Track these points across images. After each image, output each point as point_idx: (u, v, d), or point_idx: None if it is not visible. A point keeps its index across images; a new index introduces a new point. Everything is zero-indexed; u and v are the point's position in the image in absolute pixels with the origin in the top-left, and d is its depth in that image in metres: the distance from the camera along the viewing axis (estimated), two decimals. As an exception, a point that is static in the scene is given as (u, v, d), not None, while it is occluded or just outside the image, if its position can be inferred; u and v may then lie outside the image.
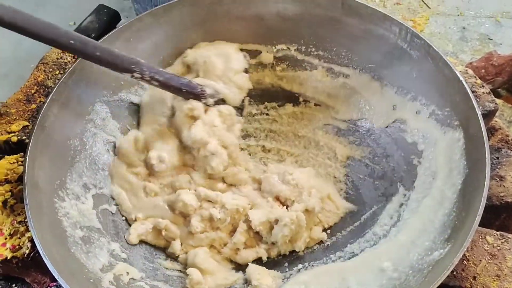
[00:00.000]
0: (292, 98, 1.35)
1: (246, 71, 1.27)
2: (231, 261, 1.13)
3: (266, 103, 1.36)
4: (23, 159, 1.07)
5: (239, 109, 1.24)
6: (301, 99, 1.33)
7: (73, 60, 1.39)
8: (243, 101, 1.26)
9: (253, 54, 1.31)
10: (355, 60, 1.24)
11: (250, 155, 1.33)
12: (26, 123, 1.26)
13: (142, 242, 1.14)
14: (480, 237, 1.06)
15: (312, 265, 1.10)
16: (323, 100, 1.32)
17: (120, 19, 1.78)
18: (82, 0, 2.49)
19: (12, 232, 1.06)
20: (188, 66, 1.24)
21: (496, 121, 1.26)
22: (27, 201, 0.94)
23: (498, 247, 1.04)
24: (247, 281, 1.06)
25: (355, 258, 1.06)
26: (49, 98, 1.06)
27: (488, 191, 0.88)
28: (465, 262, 1.02)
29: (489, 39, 2.20)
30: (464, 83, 1.00)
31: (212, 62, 1.21)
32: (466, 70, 1.31)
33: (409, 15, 2.33)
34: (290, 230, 1.08)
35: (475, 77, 1.28)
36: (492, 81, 1.65)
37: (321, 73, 1.29)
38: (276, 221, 1.09)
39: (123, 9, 2.39)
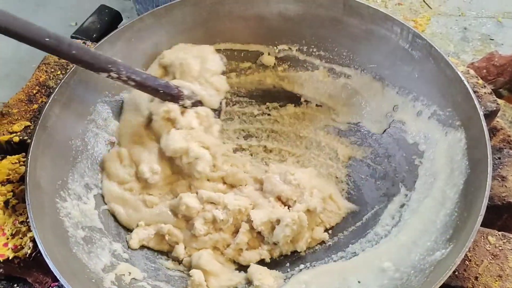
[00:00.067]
0: (294, 98, 1.35)
1: (223, 73, 1.26)
2: (234, 261, 1.13)
3: (267, 103, 1.36)
4: (25, 159, 1.07)
5: (217, 111, 1.23)
6: (302, 100, 1.33)
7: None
8: (220, 103, 1.24)
9: (255, 54, 1.32)
10: (357, 60, 1.24)
11: (251, 155, 1.33)
12: (28, 123, 1.26)
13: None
14: (482, 237, 1.05)
15: (314, 266, 1.10)
16: (324, 101, 1.32)
17: (122, 19, 1.79)
18: (84, 1, 2.50)
19: (14, 232, 1.06)
20: (165, 68, 1.23)
21: (497, 121, 1.26)
22: (29, 201, 0.94)
23: (500, 247, 1.04)
24: (249, 281, 1.06)
25: (355, 257, 1.06)
26: (50, 98, 1.06)
27: (490, 191, 0.88)
28: (467, 262, 1.02)
29: (491, 39, 2.20)
30: (466, 83, 1.00)
31: (188, 64, 1.19)
32: (468, 71, 1.31)
33: (411, 15, 2.33)
34: (291, 231, 1.08)
35: (476, 77, 1.28)
36: (494, 81, 1.65)
37: (322, 73, 1.29)
38: (278, 221, 1.09)
39: (124, 10, 2.39)
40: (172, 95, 1.12)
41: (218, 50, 1.30)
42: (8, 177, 1.15)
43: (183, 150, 1.11)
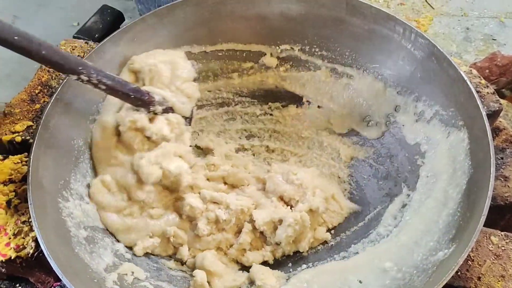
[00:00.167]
0: (296, 98, 1.34)
1: (194, 80, 1.23)
2: (237, 262, 1.13)
3: (270, 103, 1.36)
4: (27, 159, 1.07)
5: (188, 118, 1.19)
6: (304, 100, 1.33)
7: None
8: (192, 110, 1.21)
9: (257, 54, 1.32)
10: (359, 60, 1.24)
11: (254, 155, 1.33)
12: (30, 123, 1.26)
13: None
14: (485, 238, 1.05)
15: (316, 266, 1.10)
16: (326, 102, 1.31)
17: (124, 20, 1.79)
18: (85, 1, 2.50)
19: (16, 232, 1.06)
20: (135, 74, 1.18)
21: (500, 121, 1.26)
22: (31, 201, 0.94)
23: (503, 247, 1.03)
24: (251, 281, 1.06)
25: (355, 256, 1.06)
26: (53, 98, 1.06)
27: (493, 191, 0.88)
28: (470, 263, 1.02)
29: (493, 39, 2.20)
30: (468, 83, 1.00)
31: (158, 70, 1.15)
32: (471, 71, 1.30)
33: (413, 15, 2.33)
34: (294, 231, 1.08)
35: (479, 77, 1.28)
36: (496, 81, 1.64)
37: (324, 73, 1.29)
38: (280, 221, 1.09)
39: (126, 10, 2.39)
40: (143, 101, 1.08)
41: (220, 50, 1.30)
42: (10, 176, 1.15)
43: (161, 176, 1.08)
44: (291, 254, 1.13)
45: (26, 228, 1.06)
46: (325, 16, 1.21)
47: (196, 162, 1.25)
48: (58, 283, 1.12)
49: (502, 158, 1.18)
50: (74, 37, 1.67)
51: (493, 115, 1.21)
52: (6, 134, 1.23)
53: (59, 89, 1.07)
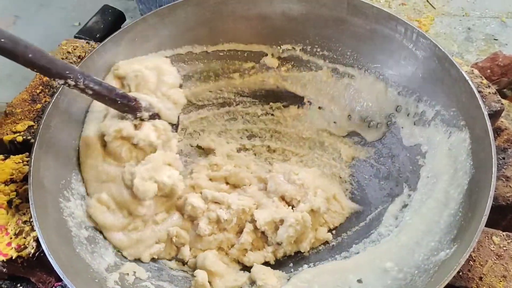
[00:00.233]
0: (297, 99, 1.34)
1: (180, 86, 1.22)
2: (238, 262, 1.13)
3: (271, 103, 1.36)
4: (29, 158, 1.07)
5: (174, 125, 1.17)
6: (305, 100, 1.33)
7: (78, 60, 1.39)
8: (178, 117, 1.19)
9: (258, 54, 1.32)
10: (360, 60, 1.24)
11: (255, 155, 1.33)
12: (31, 123, 1.26)
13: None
14: (486, 238, 1.05)
15: (317, 266, 1.10)
16: (327, 103, 1.31)
17: (125, 19, 1.79)
18: (87, 1, 2.50)
19: (17, 231, 1.06)
20: (120, 80, 1.16)
21: (502, 121, 1.26)
22: (32, 200, 0.94)
23: (505, 248, 1.03)
24: (252, 281, 1.06)
25: (356, 256, 1.06)
26: (54, 98, 1.06)
27: (494, 191, 0.88)
28: (471, 263, 1.02)
29: (495, 39, 2.20)
30: (470, 83, 1.00)
31: (144, 76, 1.14)
32: (472, 71, 1.30)
33: (414, 15, 2.33)
34: (295, 231, 1.07)
35: (481, 77, 1.28)
36: (498, 81, 1.64)
37: (326, 73, 1.29)
38: (282, 221, 1.09)
39: (127, 10, 2.39)
40: (130, 107, 1.06)
41: (221, 50, 1.30)
42: (11, 176, 1.15)
43: (157, 190, 1.06)
44: (292, 254, 1.13)
45: (27, 228, 1.06)
46: (327, 16, 1.21)
47: (199, 161, 1.25)
48: (59, 283, 1.12)
49: (503, 158, 1.18)
50: (75, 37, 1.67)
51: (494, 115, 1.21)
52: (7, 134, 1.23)
53: (60, 89, 1.07)
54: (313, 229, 1.13)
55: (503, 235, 1.06)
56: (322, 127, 1.31)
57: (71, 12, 2.62)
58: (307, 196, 1.13)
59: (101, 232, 1.06)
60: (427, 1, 2.38)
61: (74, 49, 1.44)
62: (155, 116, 1.12)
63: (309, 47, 1.28)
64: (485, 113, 0.96)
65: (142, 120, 1.09)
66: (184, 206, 1.12)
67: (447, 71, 1.05)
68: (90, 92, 0.99)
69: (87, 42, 1.49)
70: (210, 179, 1.23)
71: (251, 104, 1.37)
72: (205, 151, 1.33)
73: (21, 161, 1.18)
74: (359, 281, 0.98)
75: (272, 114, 1.36)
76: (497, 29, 2.24)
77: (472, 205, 0.92)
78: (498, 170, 1.13)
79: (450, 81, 1.05)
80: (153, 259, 1.10)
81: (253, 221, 1.11)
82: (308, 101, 1.33)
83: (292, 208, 1.14)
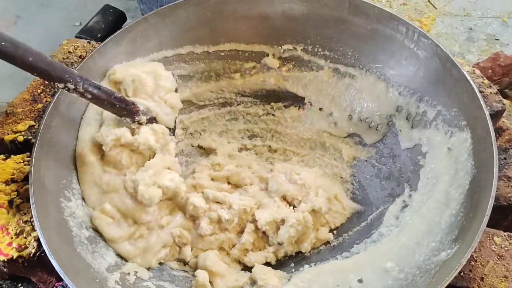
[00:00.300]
0: (298, 99, 1.35)
1: (176, 90, 1.21)
2: (239, 262, 1.13)
3: (272, 103, 1.36)
4: (29, 158, 1.07)
5: (171, 129, 1.17)
6: (306, 101, 1.33)
7: (79, 60, 1.39)
8: (174, 121, 1.19)
9: (259, 54, 1.32)
10: (362, 60, 1.23)
11: (256, 154, 1.33)
12: (32, 122, 1.26)
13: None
14: (488, 238, 1.05)
15: (318, 265, 1.10)
16: (327, 104, 1.31)
17: (126, 19, 1.79)
18: (88, 0, 2.50)
19: (18, 231, 1.06)
20: (116, 84, 1.15)
21: (503, 121, 1.26)
22: (33, 200, 0.94)
23: (506, 248, 1.03)
24: (253, 281, 1.06)
25: (357, 256, 1.06)
26: (55, 98, 1.06)
27: (496, 191, 0.88)
28: (473, 263, 1.01)
29: (496, 39, 2.19)
30: (471, 83, 1.00)
31: (141, 80, 1.13)
32: (473, 71, 1.30)
33: (416, 15, 2.32)
34: (296, 231, 1.07)
35: (482, 77, 1.28)
36: (499, 81, 1.64)
37: (327, 73, 1.29)
38: (283, 221, 1.09)
39: (128, 9, 2.39)
40: (127, 110, 1.06)
41: (222, 50, 1.30)
42: (12, 176, 1.15)
43: (161, 195, 1.06)
44: (294, 254, 1.13)
45: (28, 228, 1.06)
46: (328, 15, 1.21)
47: (200, 161, 1.26)
48: (60, 283, 1.12)
49: (505, 158, 1.18)
50: (76, 36, 1.67)
51: (496, 115, 1.21)
52: (8, 134, 1.23)
53: (61, 89, 1.07)
54: (314, 229, 1.13)
55: (505, 236, 1.05)
56: (322, 128, 1.31)
57: (72, 12, 2.62)
58: (308, 196, 1.13)
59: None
60: (429, 1, 2.38)
61: (75, 49, 1.44)
62: (152, 120, 1.12)
63: (310, 47, 1.28)
64: (487, 113, 0.96)
65: (140, 124, 1.09)
66: (186, 206, 1.12)
67: (449, 71, 1.05)
68: (89, 96, 0.99)
69: (88, 42, 1.49)
70: (212, 179, 1.23)
71: (252, 104, 1.37)
72: (206, 151, 1.33)
73: (22, 161, 1.18)
74: (360, 281, 0.98)
75: (273, 114, 1.36)
76: (499, 29, 2.24)
77: (473, 205, 0.92)
78: (499, 170, 1.14)
79: (451, 81, 1.05)
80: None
81: (254, 221, 1.11)
82: (309, 102, 1.33)
83: (293, 208, 1.14)
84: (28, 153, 1.20)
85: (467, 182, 0.96)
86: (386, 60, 1.19)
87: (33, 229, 1.06)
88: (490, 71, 1.65)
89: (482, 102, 0.97)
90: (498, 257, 1.02)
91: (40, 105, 1.30)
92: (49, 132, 1.03)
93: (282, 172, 1.19)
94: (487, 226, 0.87)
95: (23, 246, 1.04)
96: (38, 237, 0.91)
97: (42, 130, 1.02)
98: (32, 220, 1.05)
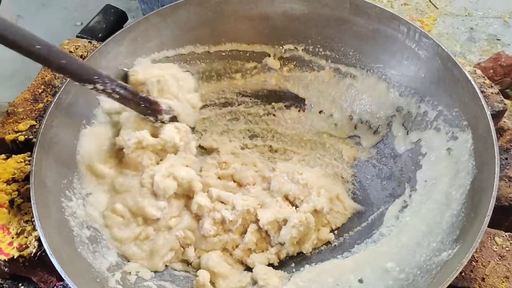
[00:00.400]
0: (299, 99, 1.35)
1: (196, 90, 1.25)
2: (242, 263, 1.12)
3: (273, 103, 1.36)
4: (30, 158, 1.07)
5: (192, 128, 1.21)
6: (306, 102, 1.33)
7: (80, 60, 1.39)
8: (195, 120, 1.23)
9: (260, 54, 1.32)
10: (363, 60, 1.23)
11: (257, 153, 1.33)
12: (33, 122, 1.26)
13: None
14: (489, 238, 1.05)
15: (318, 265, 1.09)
16: (328, 107, 1.31)
17: (127, 19, 1.79)
18: (89, 0, 2.50)
19: (19, 231, 1.06)
20: (136, 85, 1.17)
21: (504, 121, 1.25)
22: (34, 200, 0.94)
23: (507, 248, 1.03)
24: (254, 281, 1.06)
25: (357, 256, 1.06)
26: (56, 98, 1.06)
27: (497, 192, 0.88)
28: (474, 263, 1.01)
29: (497, 39, 2.19)
30: (473, 83, 1.00)
31: (166, 81, 1.17)
32: (475, 71, 1.30)
33: (417, 15, 2.32)
34: (298, 232, 1.07)
35: (483, 77, 1.28)
36: (501, 81, 1.64)
37: (328, 74, 1.29)
38: (285, 221, 1.09)
39: (129, 9, 2.39)
40: (151, 109, 1.10)
41: (223, 50, 1.30)
42: (13, 176, 1.15)
43: (176, 186, 1.08)
44: (295, 255, 1.13)
45: (29, 228, 1.07)
46: (328, 15, 1.21)
47: (207, 160, 1.27)
48: (61, 283, 1.12)
49: (506, 159, 1.18)
50: (77, 36, 1.67)
51: (497, 115, 1.21)
52: (9, 134, 1.23)
53: (62, 88, 1.07)
54: (316, 230, 1.13)
55: (506, 236, 1.05)
56: (323, 130, 1.31)
57: (73, 12, 2.62)
58: (310, 196, 1.13)
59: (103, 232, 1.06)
60: (430, 1, 2.38)
61: (76, 49, 1.44)
62: (174, 118, 1.15)
63: (311, 47, 1.28)
64: (488, 113, 0.96)
65: (162, 122, 1.12)
66: (191, 205, 1.12)
67: (450, 71, 1.05)
68: (117, 96, 1.03)
69: (89, 42, 1.49)
70: (219, 177, 1.23)
71: (253, 104, 1.37)
72: (207, 151, 1.33)
73: (23, 160, 1.18)
74: (360, 281, 0.98)
75: (274, 115, 1.36)
76: (500, 29, 2.24)
77: (474, 205, 0.92)
78: (500, 171, 1.13)
79: (452, 81, 1.05)
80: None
81: (257, 221, 1.11)
82: (310, 104, 1.33)
83: (295, 208, 1.13)
84: (29, 153, 1.20)
85: (468, 183, 0.96)
86: (387, 60, 1.19)
87: (34, 229, 1.06)
88: (491, 71, 1.65)
89: (483, 102, 0.97)
90: (499, 258, 1.02)
91: (41, 105, 1.30)
92: (50, 131, 1.03)
93: (284, 172, 1.19)
94: (488, 226, 0.87)
95: (24, 246, 1.04)
96: (39, 237, 0.92)
97: (43, 130, 1.02)
98: (33, 219, 1.05)
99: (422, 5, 2.39)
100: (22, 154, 1.20)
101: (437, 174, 1.05)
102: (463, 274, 1.00)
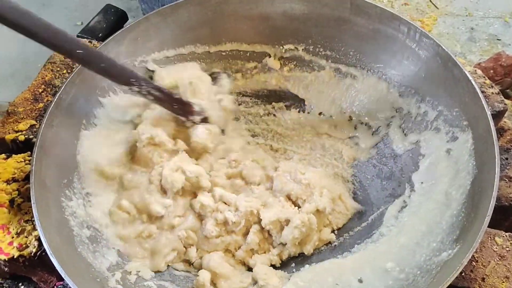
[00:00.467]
0: (299, 99, 1.34)
1: (230, 92, 1.27)
2: (244, 263, 1.12)
3: (273, 103, 1.35)
4: (30, 158, 1.07)
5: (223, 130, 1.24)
6: (306, 103, 1.33)
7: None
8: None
9: (260, 54, 1.32)
10: (363, 60, 1.23)
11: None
12: (34, 122, 1.26)
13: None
14: (489, 238, 1.05)
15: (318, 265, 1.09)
16: (327, 108, 1.31)
17: (128, 19, 1.79)
18: (89, 0, 2.50)
19: (19, 230, 1.06)
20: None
21: (505, 121, 1.25)
22: (34, 200, 0.94)
23: (507, 248, 1.03)
24: (255, 281, 1.06)
25: (356, 256, 1.06)
26: (56, 97, 1.06)
27: (497, 192, 0.88)
28: (474, 263, 1.01)
29: (498, 39, 2.19)
30: (473, 83, 1.00)
31: (198, 83, 1.20)
32: (475, 71, 1.30)
33: (417, 15, 2.32)
34: (300, 233, 1.07)
35: (484, 77, 1.28)
36: (501, 81, 1.64)
37: (328, 74, 1.29)
38: (287, 221, 1.08)
39: (130, 9, 2.39)
40: (183, 110, 1.15)
41: (223, 50, 1.30)
42: (13, 175, 1.15)
43: (184, 181, 1.10)
44: (296, 255, 1.13)
45: (29, 227, 1.07)
46: (329, 15, 1.21)
47: (218, 160, 1.26)
48: (61, 283, 1.12)
49: (506, 159, 1.18)
50: (77, 36, 1.67)
51: (497, 116, 1.21)
52: (9, 133, 1.23)
53: (62, 88, 1.07)
54: (318, 231, 1.12)
55: (506, 236, 1.05)
56: (322, 131, 1.31)
57: (73, 11, 2.62)
58: (312, 196, 1.12)
59: (103, 232, 1.06)
60: (430, 1, 2.38)
61: (77, 48, 1.43)
62: (204, 120, 1.17)
63: (311, 47, 1.28)
64: (488, 113, 0.96)
65: (194, 123, 1.16)
66: (195, 204, 1.12)
67: (450, 71, 1.05)
68: (151, 97, 1.08)
69: (89, 42, 1.49)
70: (228, 177, 1.22)
71: (253, 104, 1.37)
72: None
73: (23, 160, 1.18)
74: (360, 280, 0.98)
75: (274, 115, 1.36)
76: (500, 29, 2.23)
77: (474, 205, 0.92)
78: (501, 171, 1.13)
79: (453, 81, 1.05)
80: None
81: (259, 221, 1.10)
82: (310, 105, 1.33)
83: (298, 208, 1.13)
84: (29, 153, 1.20)
85: (469, 183, 0.96)
86: (388, 60, 1.19)
87: (34, 229, 1.06)
88: (491, 71, 1.64)
89: (483, 102, 0.97)
90: (500, 258, 1.02)
91: (41, 105, 1.30)
92: (50, 131, 1.04)
93: (287, 171, 1.18)
94: (488, 226, 0.86)
95: (24, 246, 1.04)
96: (39, 237, 0.92)
97: (43, 130, 1.02)
98: (33, 219, 1.05)
99: (423, 5, 2.38)
100: (22, 154, 1.20)
101: (437, 174, 1.05)
102: (463, 274, 1.00)
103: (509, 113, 1.59)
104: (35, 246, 1.04)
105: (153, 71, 1.23)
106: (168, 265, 1.10)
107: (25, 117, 1.27)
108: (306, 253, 1.11)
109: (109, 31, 1.71)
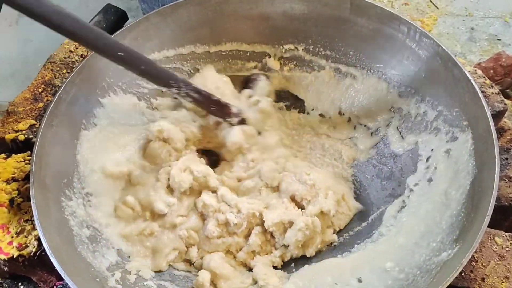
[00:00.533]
0: (299, 99, 1.34)
1: (269, 95, 1.29)
2: (245, 264, 1.12)
3: (273, 103, 1.35)
4: (30, 157, 1.07)
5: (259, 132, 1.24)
6: (306, 104, 1.33)
7: (81, 59, 1.39)
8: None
9: (260, 54, 1.32)
10: (363, 60, 1.23)
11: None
12: (33, 121, 1.26)
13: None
14: (489, 238, 1.05)
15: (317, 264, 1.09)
16: (327, 109, 1.31)
17: (128, 19, 1.79)
18: (89, 0, 2.50)
19: (18, 230, 1.06)
20: None
21: (505, 121, 1.25)
22: (34, 199, 0.94)
23: (507, 249, 1.03)
24: (254, 281, 1.06)
25: (356, 255, 1.06)
26: (56, 97, 1.06)
27: (497, 192, 0.88)
28: (474, 263, 1.01)
29: (498, 39, 2.18)
30: (473, 83, 1.00)
31: (221, 87, 1.24)
32: (475, 71, 1.30)
33: (417, 15, 2.31)
34: (304, 236, 1.06)
35: (484, 77, 1.28)
36: (501, 81, 1.63)
37: (328, 74, 1.29)
38: (290, 223, 1.08)
39: (130, 9, 2.39)
40: (221, 112, 1.17)
41: (223, 50, 1.30)
42: (13, 175, 1.15)
43: (192, 181, 1.11)
44: (299, 257, 1.12)
45: (28, 227, 1.07)
46: (328, 15, 1.21)
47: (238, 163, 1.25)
48: (61, 282, 1.12)
49: (506, 159, 1.18)
50: (77, 36, 1.66)
51: (497, 116, 1.21)
52: (9, 133, 1.23)
53: (62, 88, 1.07)
54: (321, 233, 1.11)
55: (506, 236, 1.05)
56: (322, 132, 1.31)
57: (73, 11, 2.61)
58: (317, 197, 1.12)
59: (102, 231, 1.06)
60: (430, 1, 2.37)
61: (76, 48, 1.44)
62: (242, 121, 1.19)
63: (311, 47, 1.28)
64: (488, 113, 0.96)
65: (231, 124, 1.18)
66: (197, 203, 1.12)
67: (450, 71, 1.05)
68: (190, 99, 1.10)
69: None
70: (239, 180, 1.21)
71: (253, 104, 1.37)
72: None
73: (23, 160, 1.18)
74: (359, 280, 0.98)
75: (275, 115, 1.36)
76: (501, 29, 2.23)
77: (474, 205, 0.92)
78: (501, 171, 1.13)
79: (453, 81, 1.05)
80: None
81: (262, 223, 1.10)
82: (309, 106, 1.33)
83: (301, 210, 1.12)
84: (29, 152, 1.20)
85: (468, 183, 0.96)
86: (388, 60, 1.19)
87: (34, 228, 1.06)
88: (491, 71, 1.64)
89: (483, 102, 0.97)
90: (499, 258, 1.02)
91: (41, 104, 1.30)
92: (50, 131, 1.04)
93: (292, 172, 1.18)
94: (488, 226, 0.86)
95: (23, 245, 1.04)
96: (39, 236, 0.92)
97: (43, 129, 1.02)
98: (32, 219, 1.05)
99: (423, 5, 2.38)
100: (22, 154, 1.20)
101: (437, 174, 1.05)
102: (463, 274, 1.00)
103: (509, 113, 1.59)
104: (34, 246, 1.04)
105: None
106: (169, 265, 1.10)
107: (25, 116, 1.27)
108: (308, 255, 1.11)
109: (109, 31, 1.70)
